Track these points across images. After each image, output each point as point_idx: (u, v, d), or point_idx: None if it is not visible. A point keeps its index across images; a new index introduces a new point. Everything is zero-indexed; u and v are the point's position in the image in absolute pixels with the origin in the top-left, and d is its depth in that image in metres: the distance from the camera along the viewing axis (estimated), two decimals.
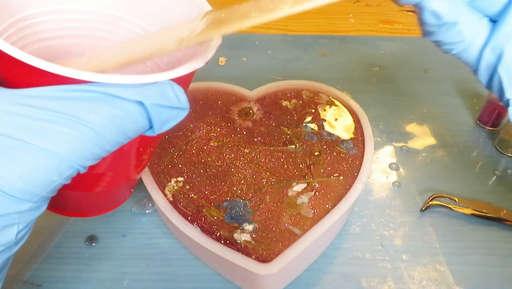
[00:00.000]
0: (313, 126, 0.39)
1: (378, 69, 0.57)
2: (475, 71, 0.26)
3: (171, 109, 0.20)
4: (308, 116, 0.40)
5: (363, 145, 0.37)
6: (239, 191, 0.34)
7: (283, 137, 0.38)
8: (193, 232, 0.31)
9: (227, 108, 0.41)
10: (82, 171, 0.20)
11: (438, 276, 0.34)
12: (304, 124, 0.39)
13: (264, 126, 0.40)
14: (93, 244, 0.35)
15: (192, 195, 0.34)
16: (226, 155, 0.37)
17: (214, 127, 0.39)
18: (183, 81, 0.22)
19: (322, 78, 0.46)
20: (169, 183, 0.34)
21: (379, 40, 0.64)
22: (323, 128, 0.39)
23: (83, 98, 0.18)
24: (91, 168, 0.21)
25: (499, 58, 0.24)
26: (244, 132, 0.39)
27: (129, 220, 0.37)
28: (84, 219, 0.37)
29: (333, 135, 0.39)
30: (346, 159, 0.36)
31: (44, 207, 0.20)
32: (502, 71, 0.24)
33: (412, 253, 0.36)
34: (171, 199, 0.33)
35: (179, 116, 0.21)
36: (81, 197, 0.27)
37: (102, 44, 0.28)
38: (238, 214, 0.32)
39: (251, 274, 0.29)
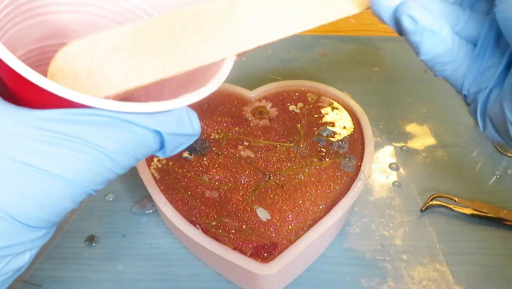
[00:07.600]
0: (331, 130, 0.39)
1: (378, 69, 0.57)
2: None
3: (185, 136, 0.20)
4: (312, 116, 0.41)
5: (363, 145, 0.37)
6: (241, 192, 0.34)
7: (295, 137, 0.39)
8: (193, 232, 0.31)
9: (237, 108, 0.41)
10: (93, 194, 0.19)
11: (438, 276, 0.34)
12: (323, 128, 0.40)
13: (278, 123, 0.40)
14: (93, 244, 0.35)
15: (192, 193, 0.34)
16: (228, 148, 0.37)
17: (215, 127, 0.39)
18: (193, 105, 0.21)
19: (322, 78, 0.46)
20: (169, 182, 0.34)
21: (379, 40, 0.64)
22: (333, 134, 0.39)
23: (99, 122, 0.18)
24: None
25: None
26: (259, 132, 0.39)
27: (129, 220, 0.37)
28: (84, 219, 0.37)
29: (336, 135, 0.39)
30: (346, 158, 0.36)
31: (53, 230, 0.20)
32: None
33: (412, 253, 0.36)
34: (170, 198, 0.33)
35: (190, 140, 0.21)
36: None
37: (99, 22, 0.28)
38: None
39: (251, 274, 0.29)
